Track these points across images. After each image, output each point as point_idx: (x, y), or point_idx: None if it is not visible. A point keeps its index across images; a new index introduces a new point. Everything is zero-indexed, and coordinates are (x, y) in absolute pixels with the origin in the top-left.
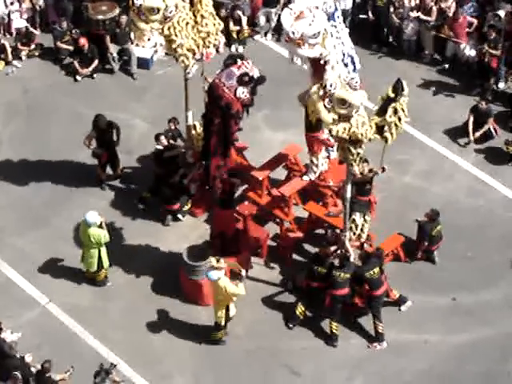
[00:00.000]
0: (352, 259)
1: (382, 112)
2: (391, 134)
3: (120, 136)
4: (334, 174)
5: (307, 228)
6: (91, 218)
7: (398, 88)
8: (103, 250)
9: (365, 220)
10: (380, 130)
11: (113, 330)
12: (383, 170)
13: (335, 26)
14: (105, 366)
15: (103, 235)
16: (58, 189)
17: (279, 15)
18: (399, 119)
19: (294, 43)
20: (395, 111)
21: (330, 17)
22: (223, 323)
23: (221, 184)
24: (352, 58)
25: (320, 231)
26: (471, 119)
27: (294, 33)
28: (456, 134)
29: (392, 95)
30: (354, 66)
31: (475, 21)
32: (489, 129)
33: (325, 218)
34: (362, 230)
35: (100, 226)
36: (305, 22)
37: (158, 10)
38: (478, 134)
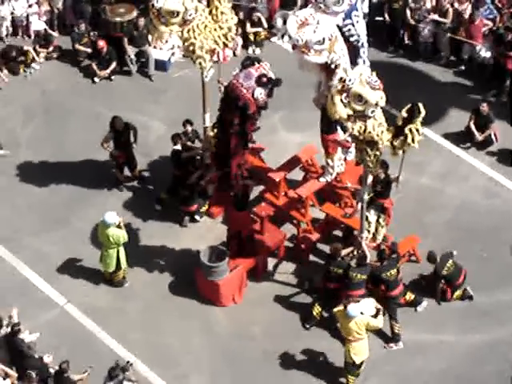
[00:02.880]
0: (368, 260)
1: (398, 131)
2: (403, 151)
3: (137, 137)
4: (350, 175)
5: (324, 229)
6: (110, 219)
7: (414, 112)
8: (121, 250)
9: (378, 222)
10: (394, 145)
11: (131, 330)
12: (397, 180)
13: (357, 16)
14: (121, 364)
15: (122, 235)
16: (77, 190)
17: None
18: (413, 140)
19: (299, 50)
20: (410, 131)
21: (353, 7)
22: (358, 362)
23: (242, 182)
24: (365, 49)
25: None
26: (472, 121)
27: (298, 40)
28: (471, 134)
29: (405, 115)
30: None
31: (490, 23)
32: (489, 134)
33: (341, 219)
34: (376, 230)
35: (118, 227)
36: (309, 29)
37: (178, 13)
38: (480, 138)
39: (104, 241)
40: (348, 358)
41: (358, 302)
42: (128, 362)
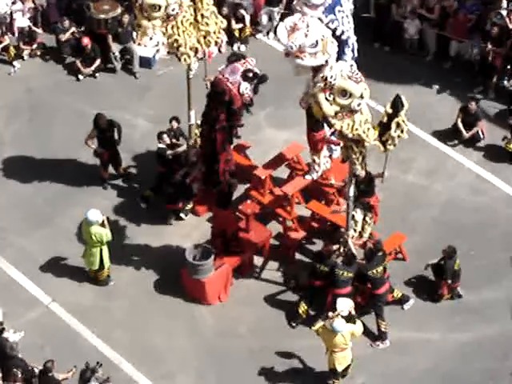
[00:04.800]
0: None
1: (384, 127)
2: (394, 145)
3: (121, 135)
4: (336, 172)
5: (310, 227)
6: (92, 216)
7: (397, 104)
8: (105, 249)
9: (365, 220)
10: (383, 142)
11: (116, 329)
12: (382, 175)
13: (342, 11)
14: (90, 366)
15: (105, 234)
16: (61, 188)
17: (282, 14)
18: (401, 131)
19: (294, 56)
20: (398, 125)
21: (337, 2)
22: (340, 370)
23: (229, 177)
24: (353, 45)
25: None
26: (459, 119)
27: (291, 47)
28: (458, 132)
29: (390, 111)
30: (353, 54)
31: (474, 17)
32: (477, 131)
33: (327, 216)
34: (362, 228)
35: (102, 225)
36: (300, 33)
37: (160, 7)
38: (467, 136)
39: (87, 239)
40: (331, 366)
41: (338, 316)
42: (97, 362)
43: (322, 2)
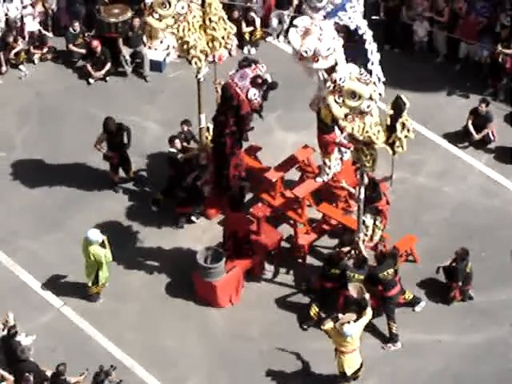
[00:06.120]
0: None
1: (390, 130)
2: (402, 147)
3: (131, 138)
4: (347, 175)
5: (321, 229)
6: (93, 236)
7: (399, 104)
8: (104, 268)
9: (375, 224)
10: (391, 144)
11: (127, 332)
12: (390, 178)
13: (346, 16)
14: (104, 369)
15: (104, 255)
16: (72, 192)
17: (292, 17)
18: (408, 130)
19: (307, 61)
20: (403, 126)
21: (340, 8)
22: (350, 373)
23: (240, 182)
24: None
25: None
26: (470, 121)
27: (306, 52)
28: (469, 134)
29: (391, 112)
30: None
31: (485, 20)
32: (487, 133)
33: (338, 219)
34: (373, 232)
35: (103, 245)
36: (314, 37)
37: (169, 2)
38: (478, 137)
39: (86, 256)
40: (341, 369)
41: (349, 322)
42: (111, 365)
43: (323, 5)
